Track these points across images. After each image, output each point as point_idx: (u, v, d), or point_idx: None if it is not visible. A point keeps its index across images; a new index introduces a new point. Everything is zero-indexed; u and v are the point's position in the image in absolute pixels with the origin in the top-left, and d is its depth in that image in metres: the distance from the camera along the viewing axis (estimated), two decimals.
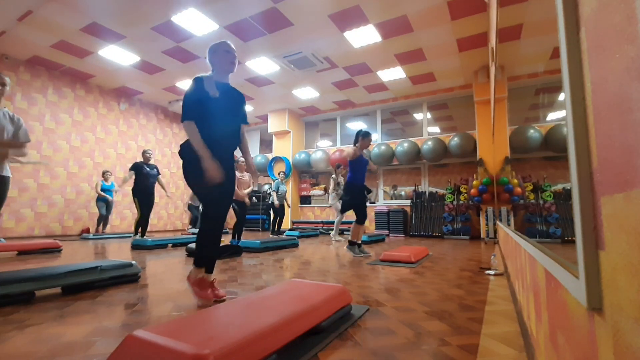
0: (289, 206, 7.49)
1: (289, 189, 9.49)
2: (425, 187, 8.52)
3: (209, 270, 2.06)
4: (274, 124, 9.93)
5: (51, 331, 1.46)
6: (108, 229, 7.82)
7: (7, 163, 2.59)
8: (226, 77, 2.16)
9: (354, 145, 4.13)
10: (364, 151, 4.23)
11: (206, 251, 2.04)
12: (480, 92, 7.01)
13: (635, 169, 0.32)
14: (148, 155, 5.63)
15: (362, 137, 4.09)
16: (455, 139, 7.46)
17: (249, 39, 5.89)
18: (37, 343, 1.33)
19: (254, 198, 7.88)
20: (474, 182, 6.74)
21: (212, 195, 1.99)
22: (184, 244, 5.21)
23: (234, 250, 4.12)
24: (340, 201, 5.49)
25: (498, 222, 5.73)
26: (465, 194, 7.18)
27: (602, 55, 0.40)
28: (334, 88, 8.16)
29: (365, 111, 9.52)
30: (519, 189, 6.01)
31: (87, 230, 7.48)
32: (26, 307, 1.84)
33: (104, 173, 7.30)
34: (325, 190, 9.55)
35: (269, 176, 10.10)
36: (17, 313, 1.73)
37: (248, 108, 9.37)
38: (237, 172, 5.09)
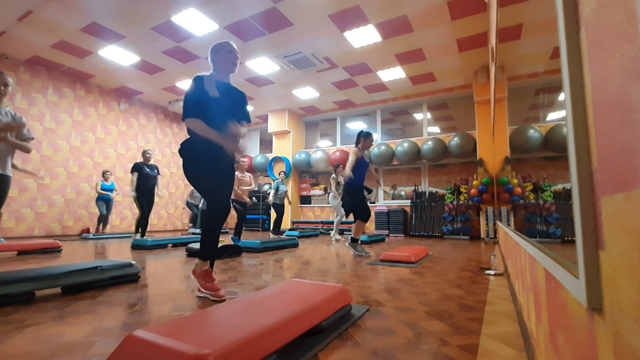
0: (289, 203, 7.51)
1: (289, 189, 9.48)
2: (425, 187, 8.52)
3: (210, 266, 2.15)
4: (274, 124, 9.93)
5: (51, 331, 1.46)
6: (108, 229, 7.83)
7: (9, 162, 2.60)
8: (227, 77, 2.17)
9: (356, 146, 4.14)
10: (365, 152, 4.24)
11: (211, 246, 2.13)
12: (480, 92, 7.01)
13: (635, 169, 0.32)
14: (148, 155, 5.63)
15: (364, 138, 4.11)
16: (455, 139, 7.46)
17: (249, 39, 5.90)
18: (37, 343, 1.33)
19: (254, 198, 7.88)
20: (474, 182, 6.74)
21: (213, 193, 2.05)
22: (184, 244, 5.20)
23: (234, 250, 4.12)
24: (341, 202, 5.49)
25: (498, 222, 5.72)
26: (465, 194, 7.17)
27: (602, 55, 0.40)
28: (334, 88, 8.16)
29: (365, 111, 9.51)
30: (519, 189, 6.00)
31: (87, 230, 7.48)
32: (26, 307, 1.83)
33: (104, 173, 7.30)
34: (326, 190, 9.55)
35: (269, 176, 10.11)
36: (17, 313, 1.73)
37: (248, 108, 9.35)
38: (237, 172, 5.09)
